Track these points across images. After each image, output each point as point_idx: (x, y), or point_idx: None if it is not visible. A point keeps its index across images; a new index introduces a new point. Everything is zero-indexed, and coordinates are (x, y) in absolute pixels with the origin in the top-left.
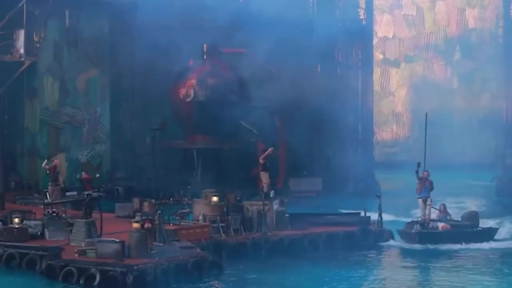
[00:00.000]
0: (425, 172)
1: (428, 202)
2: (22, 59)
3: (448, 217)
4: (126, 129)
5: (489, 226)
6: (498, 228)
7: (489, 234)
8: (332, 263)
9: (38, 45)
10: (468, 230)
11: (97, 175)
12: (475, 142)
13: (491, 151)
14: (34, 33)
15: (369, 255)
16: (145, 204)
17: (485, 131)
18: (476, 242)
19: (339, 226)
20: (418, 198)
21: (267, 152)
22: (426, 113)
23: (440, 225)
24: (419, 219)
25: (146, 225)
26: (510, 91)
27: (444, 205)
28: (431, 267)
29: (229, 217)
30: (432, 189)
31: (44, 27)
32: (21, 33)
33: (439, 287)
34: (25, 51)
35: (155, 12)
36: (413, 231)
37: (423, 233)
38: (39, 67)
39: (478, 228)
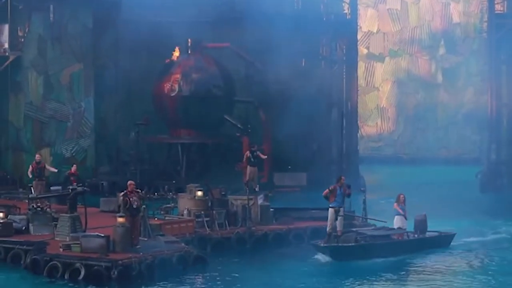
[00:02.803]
0: (342, 178)
1: (341, 213)
2: (7, 53)
3: (402, 212)
4: (110, 123)
5: (441, 231)
6: (455, 234)
7: (441, 242)
8: (316, 257)
9: (22, 39)
10: (408, 239)
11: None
12: (460, 137)
13: (476, 145)
14: (19, 28)
15: None
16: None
17: (469, 125)
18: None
19: (323, 220)
20: (330, 207)
21: (245, 156)
22: (343, 112)
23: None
24: (329, 231)
25: None
26: (494, 85)
27: (403, 195)
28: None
29: (214, 212)
30: (349, 195)
31: (28, 21)
32: (5, 28)
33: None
34: (9, 45)
35: (139, 7)
36: (322, 244)
37: (333, 247)
38: (23, 61)
39: (425, 236)
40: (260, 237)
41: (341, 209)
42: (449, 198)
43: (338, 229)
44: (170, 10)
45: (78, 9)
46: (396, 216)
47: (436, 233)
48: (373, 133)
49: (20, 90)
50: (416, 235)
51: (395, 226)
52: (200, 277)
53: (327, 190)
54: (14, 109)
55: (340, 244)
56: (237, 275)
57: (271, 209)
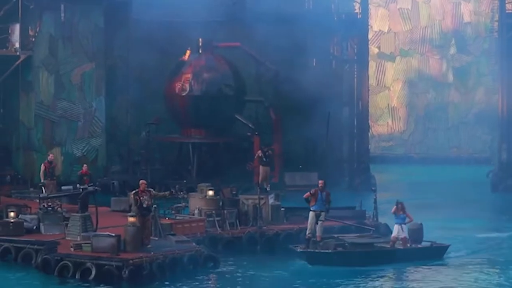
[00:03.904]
0: (320, 182)
1: (322, 218)
2: (17, 53)
3: (407, 220)
4: (121, 123)
5: (433, 242)
6: (448, 245)
7: (432, 253)
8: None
9: (33, 39)
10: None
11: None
12: (470, 137)
13: (487, 145)
14: (29, 27)
15: None
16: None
17: (480, 125)
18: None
19: (334, 220)
20: (310, 210)
21: (256, 155)
22: (329, 112)
23: (402, 236)
24: (308, 235)
25: None
26: (505, 85)
27: (401, 204)
28: None
29: (225, 211)
30: (329, 201)
31: (39, 21)
32: (16, 27)
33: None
34: (20, 45)
35: (150, 6)
36: (299, 250)
37: (310, 253)
38: (34, 61)
39: (414, 247)
40: (271, 236)
41: (322, 213)
42: (460, 197)
43: (317, 234)
44: (181, 10)
45: (89, 8)
46: (395, 225)
47: (428, 244)
48: (384, 133)
49: (31, 90)
50: (408, 245)
51: (392, 235)
52: (211, 276)
53: (308, 193)
54: (25, 109)
55: (316, 251)
56: (247, 274)
57: (282, 209)
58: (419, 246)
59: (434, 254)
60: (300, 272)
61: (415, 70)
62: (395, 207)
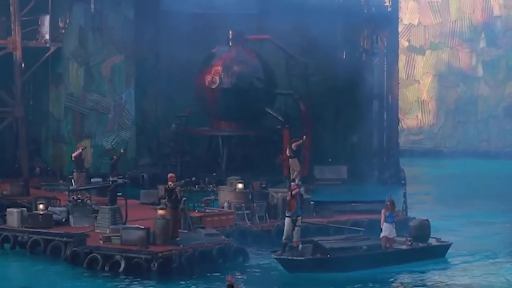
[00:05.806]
0: (293, 185)
1: (298, 223)
2: (47, 44)
3: (397, 218)
4: (151, 115)
5: (436, 240)
6: (450, 243)
7: (431, 253)
8: None
9: (63, 30)
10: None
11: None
12: (500, 130)
13: None
14: (59, 19)
15: None
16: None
17: (510, 119)
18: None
19: (364, 214)
20: (286, 216)
21: (300, 141)
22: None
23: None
24: (285, 241)
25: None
26: None
27: (392, 201)
28: None
29: (254, 204)
30: (302, 203)
31: (69, 12)
32: (46, 19)
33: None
34: (50, 36)
35: None
36: (274, 256)
37: (284, 260)
38: (64, 52)
39: (410, 247)
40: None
41: (299, 218)
42: (489, 191)
43: (294, 239)
44: (211, 2)
45: (120, 0)
46: (384, 224)
47: (425, 243)
48: (413, 126)
49: (61, 82)
50: (409, 243)
51: (382, 235)
52: (240, 270)
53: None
54: (54, 101)
55: (290, 258)
56: (277, 268)
57: (312, 202)
58: (418, 246)
59: (434, 254)
60: None
61: (445, 63)
62: (387, 205)
